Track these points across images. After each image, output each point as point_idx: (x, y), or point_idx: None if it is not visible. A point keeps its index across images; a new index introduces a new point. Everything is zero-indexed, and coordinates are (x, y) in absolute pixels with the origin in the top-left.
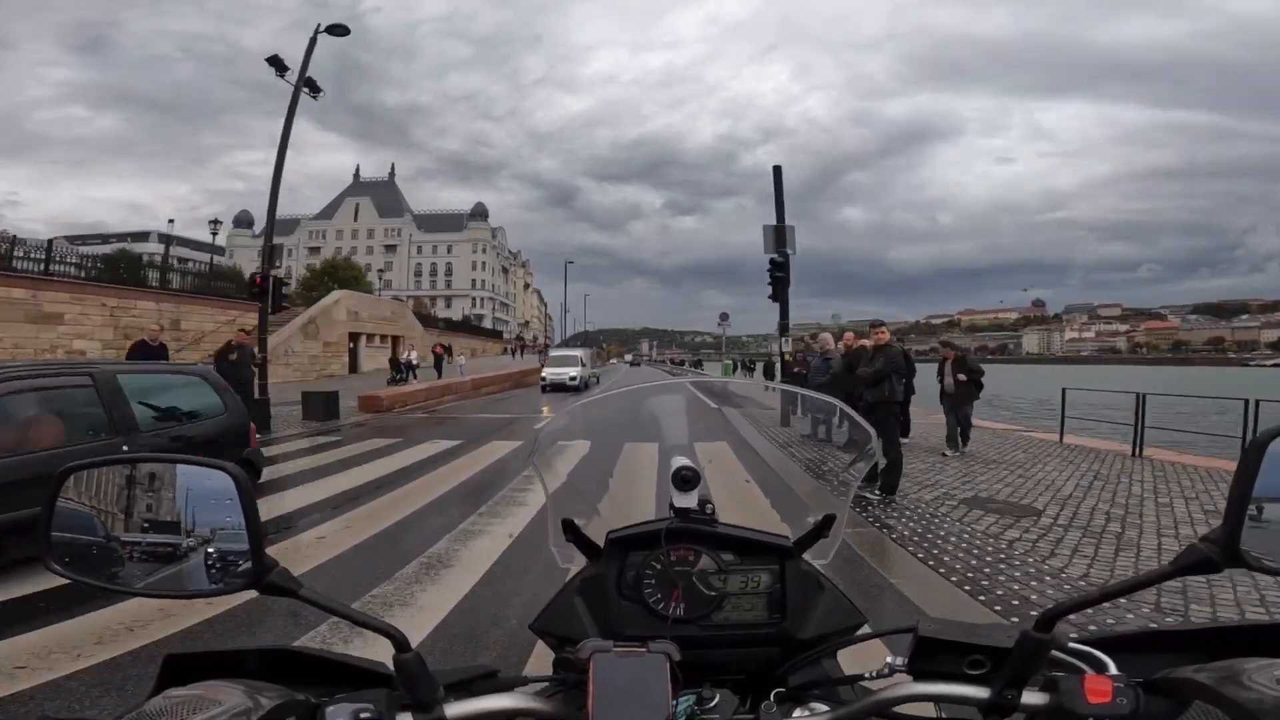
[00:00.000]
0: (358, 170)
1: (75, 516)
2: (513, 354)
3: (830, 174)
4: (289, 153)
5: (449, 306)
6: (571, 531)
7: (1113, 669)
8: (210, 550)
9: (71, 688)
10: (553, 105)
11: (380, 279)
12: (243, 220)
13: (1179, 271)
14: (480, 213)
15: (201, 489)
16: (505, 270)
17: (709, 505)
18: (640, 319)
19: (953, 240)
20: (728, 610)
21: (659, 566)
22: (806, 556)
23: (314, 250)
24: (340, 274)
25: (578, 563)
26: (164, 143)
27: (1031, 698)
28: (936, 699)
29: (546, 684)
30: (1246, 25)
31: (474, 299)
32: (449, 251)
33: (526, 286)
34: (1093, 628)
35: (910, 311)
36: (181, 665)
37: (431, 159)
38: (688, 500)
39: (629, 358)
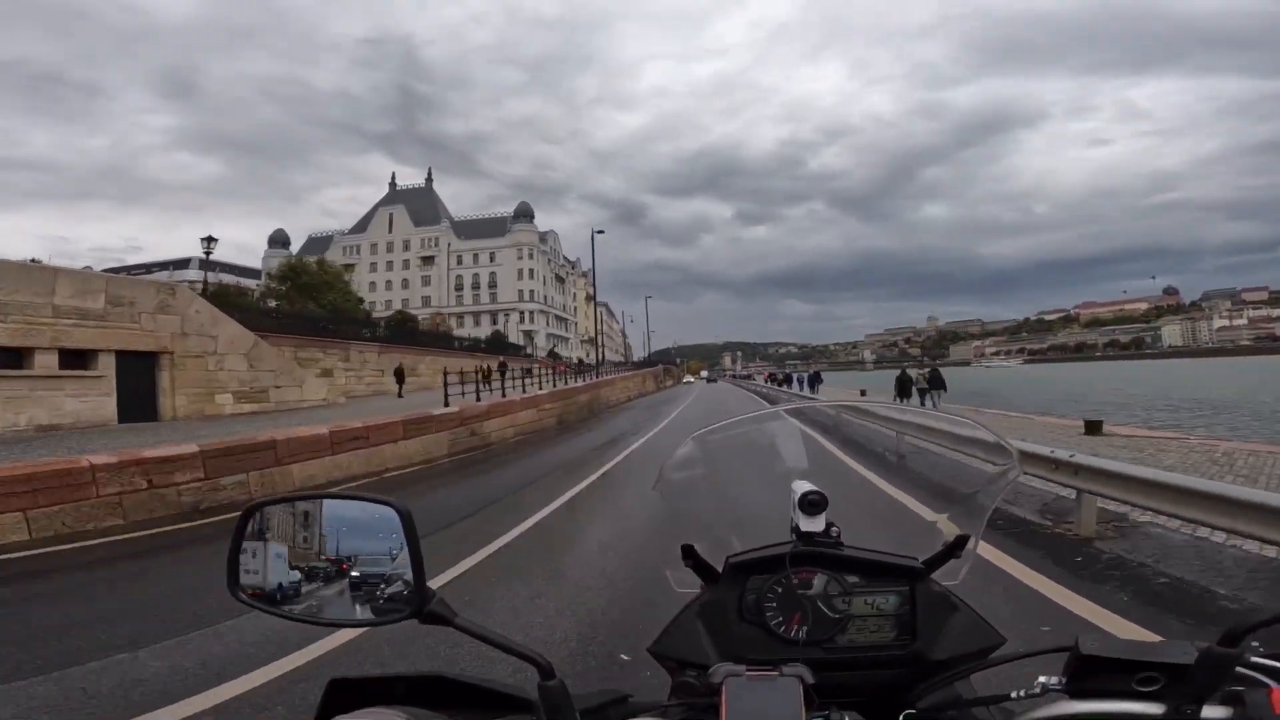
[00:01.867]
0: (393, 178)
1: (259, 550)
2: (537, 375)
3: (903, 170)
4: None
5: (495, 323)
6: (690, 557)
7: None
8: (377, 581)
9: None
10: (610, 124)
11: (422, 301)
12: (278, 240)
13: None
14: (525, 213)
15: (369, 523)
16: (560, 280)
17: (834, 529)
18: (722, 333)
19: (1052, 231)
20: (853, 632)
21: (781, 590)
22: (937, 577)
23: (348, 268)
24: (312, 279)
25: (691, 589)
26: (261, 184)
27: (1213, 712)
28: (1103, 718)
29: (680, 708)
30: None
31: (523, 313)
32: (491, 260)
33: (588, 299)
34: None
35: (1015, 309)
36: (344, 689)
37: (499, 185)
38: (814, 524)
39: (705, 374)
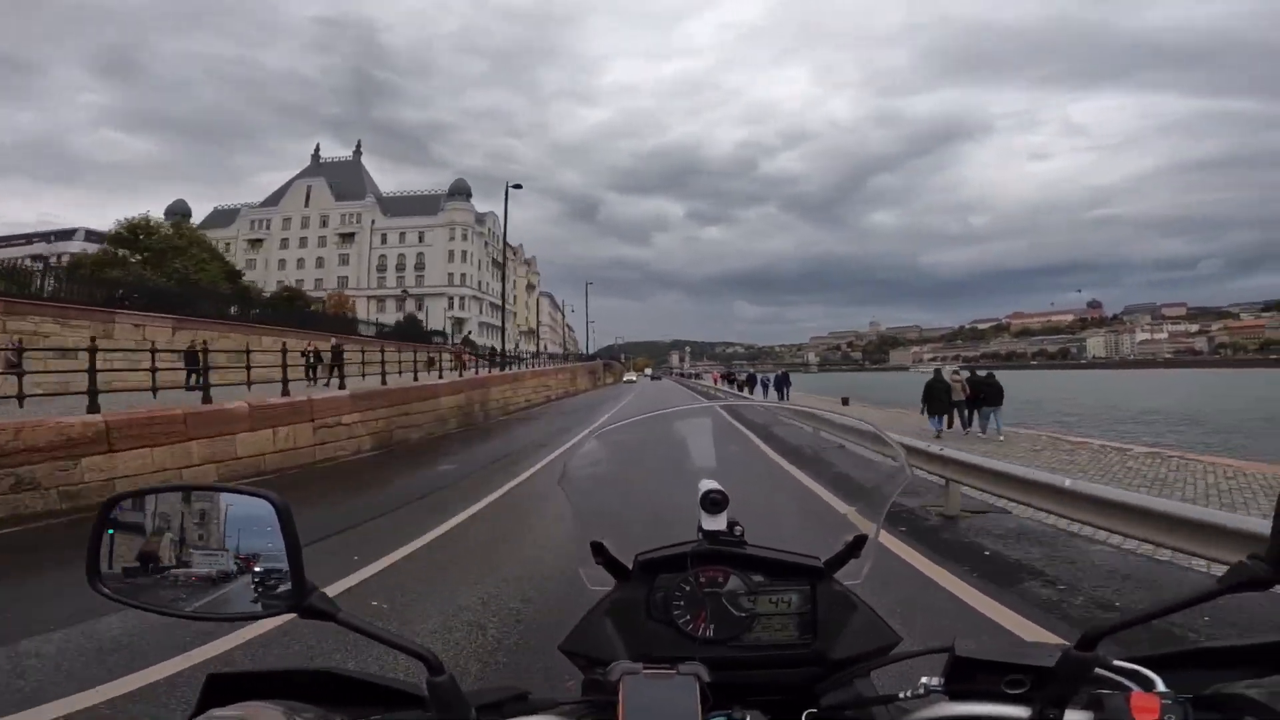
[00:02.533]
0: (317, 149)
1: (122, 543)
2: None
3: (857, 177)
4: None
5: (421, 307)
6: (600, 554)
7: (1160, 686)
8: (253, 575)
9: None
10: (573, 118)
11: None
12: (176, 210)
13: (1241, 269)
14: (461, 190)
15: (244, 516)
16: (500, 265)
17: (738, 527)
18: (671, 331)
19: (992, 241)
20: (758, 631)
21: (687, 588)
22: (839, 576)
23: (255, 243)
24: (151, 244)
25: (604, 586)
26: (201, 165)
27: (1075, 716)
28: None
29: (576, 705)
30: None
31: (452, 298)
32: (420, 239)
33: (531, 288)
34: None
35: (952, 317)
36: (223, 685)
37: (455, 174)
38: (716, 523)
39: (648, 372)
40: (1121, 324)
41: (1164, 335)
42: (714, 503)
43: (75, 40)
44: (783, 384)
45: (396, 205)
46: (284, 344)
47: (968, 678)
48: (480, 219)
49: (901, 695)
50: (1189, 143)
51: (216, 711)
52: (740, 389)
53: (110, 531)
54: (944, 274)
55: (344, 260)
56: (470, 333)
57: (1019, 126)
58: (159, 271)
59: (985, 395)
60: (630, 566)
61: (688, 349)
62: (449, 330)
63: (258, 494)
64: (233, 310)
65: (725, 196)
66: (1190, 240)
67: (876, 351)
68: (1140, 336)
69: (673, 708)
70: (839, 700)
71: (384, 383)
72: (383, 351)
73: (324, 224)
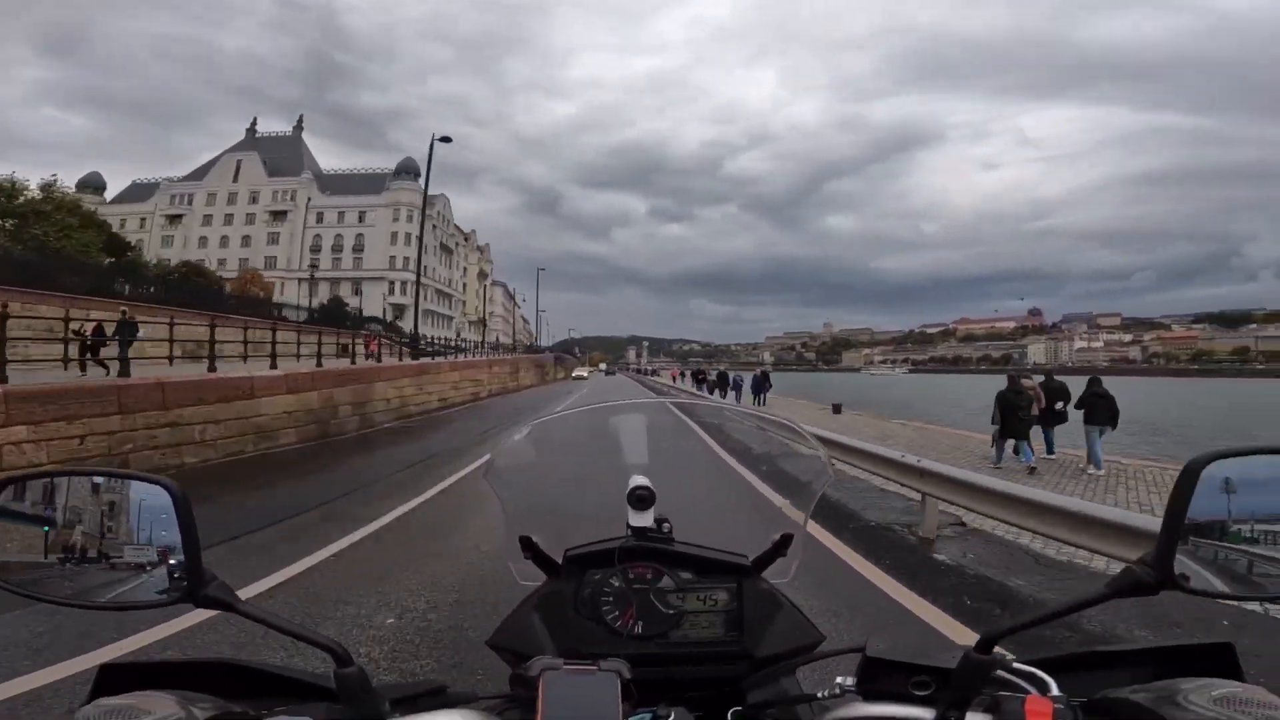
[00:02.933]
0: (253, 124)
1: (11, 530)
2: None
3: (815, 180)
4: None
5: (357, 293)
6: (530, 549)
7: (1054, 689)
8: (150, 563)
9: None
10: (538, 110)
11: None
12: (89, 184)
13: (1172, 281)
14: (409, 169)
15: (140, 503)
16: (449, 250)
17: (665, 524)
18: (629, 328)
19: (942, 249)
20: (686, 628)
21: (616, 584)
22: (767, 575)
23: (174, 219)
24: (14, 209)
25: (536, 580)
26: (144, 145)
27: (975, 719)
28: None
29: (496, 701)
30: (1238, 24)
31: (393, 283)
32: (360, 220)
33: (483, 275)
34: None
35: (902, 321)
36: (117, 675)
37: (407, 159)
38: (643, 519)
39: (602, 367)
40: (1060, 332)
41: (1100, 344)
42: (640, 499)
43: (22, 17)
44: (761, 386)
45: (337, 184)
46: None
47: (879, 678)
48: (431, 201)
49: (820, 695)
50: (1133, 157)
51: (105, 700)
52: (712, 391)
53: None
54: (898, 279)
55: (274, 239)
56: (398, 319)
57: (972, 136)
58: (16, 240)
59: (1052, 414)
60: (560, 561)
61: (645, 345)
62: (387, 316)
63: (152, 479)
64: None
65: (687, 194)
66: (1128, 252)
67: (829, 353)
68: (1078, 344)
69: (593, 704)
70: (763, 698)
71: (213, 370)
72: (248, 332)
73: (254, 200)
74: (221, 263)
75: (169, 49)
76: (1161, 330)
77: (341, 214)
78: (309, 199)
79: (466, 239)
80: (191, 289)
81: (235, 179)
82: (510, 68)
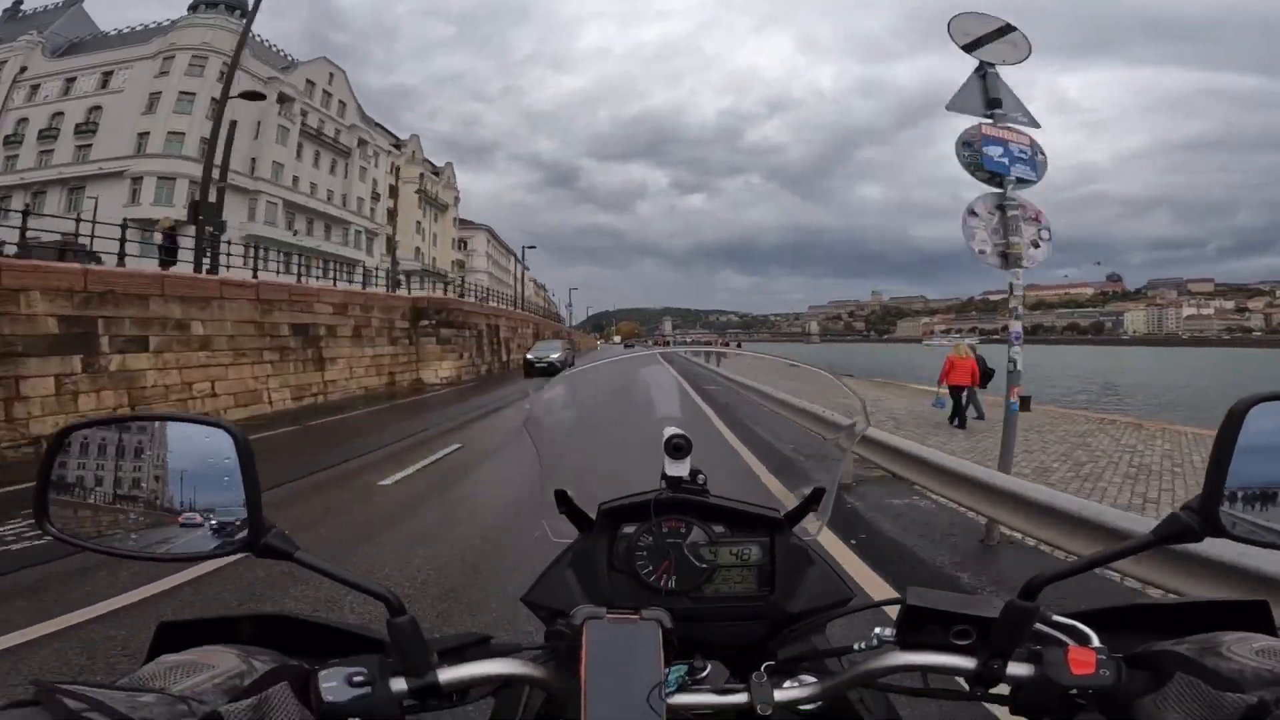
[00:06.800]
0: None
1: (73, 479)
2: None
3: (842, 149)
4: None
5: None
6: (564, 503)
7: (1095, 641)
8: (209, 512)
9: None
10: (546, 84)
11: None
12: None
13: (1250, 249)
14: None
15: (200, 449)
16: (340, 150)
17: (700, 475)
18: (663, 299)
19: None
20: (718, 583)
21: (650, 538)
22: (798, 530)
23: None
24: None
25: (568, 537)
26: None
27: (1017, 669)
28: (923, 669)
29: (539, 651)
30: None
31: (140, 180)
32: (104, 86)
33: (433, 203)
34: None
35: (943, 290)
36: (176, 632)
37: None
38: (679, 469)
39: (618, 339)
40: (1145, 298)
41: (1210, 310)
42: (677, 448)
43: None
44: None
45: (85, 44)
46: None
47: (919, 629)
48: (294, 63)
49: (856, 647)
50: (1180, 120)
51: (169, 656)
52: None
53: (59, 467)
54: (937, 248)
55: None
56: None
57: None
58: None
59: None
60: (593, 516)
61: (674, 318)
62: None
63: (214, 423)
64: None
65: (705, 165)
66: (1180, 222)
67: (880, 322)
68: (1187, 311)
69: (635, 653)
70: (795, 652)
71: None
72: None
73: None
74: None
75: None
76: (1260, 297)
77: (71, 82)
78: (21, 69)
79: (400, 146)
80: None
81: None
82: (514, 41)
